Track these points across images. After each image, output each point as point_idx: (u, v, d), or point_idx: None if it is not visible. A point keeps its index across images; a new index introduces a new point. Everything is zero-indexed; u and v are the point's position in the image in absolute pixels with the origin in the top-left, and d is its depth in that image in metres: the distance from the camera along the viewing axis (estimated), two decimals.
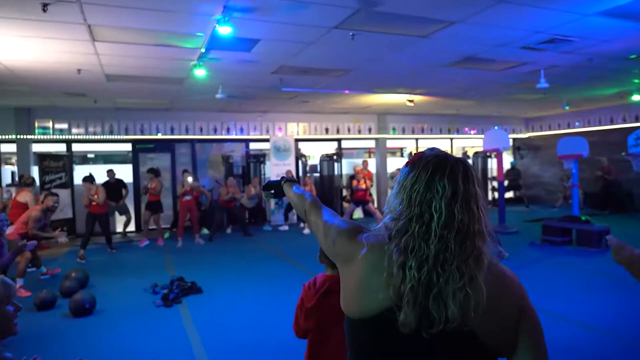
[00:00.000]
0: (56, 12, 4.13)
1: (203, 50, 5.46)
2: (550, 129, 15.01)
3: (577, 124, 13.99)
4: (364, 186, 10.28)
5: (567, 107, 11.27)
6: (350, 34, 5.01)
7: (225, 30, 4.37)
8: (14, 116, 10.11)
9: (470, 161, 12.54)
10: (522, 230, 9.63)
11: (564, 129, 14.49)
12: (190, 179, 9.14)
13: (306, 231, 10.12)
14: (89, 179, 8.36)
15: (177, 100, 9.66)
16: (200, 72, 6.18)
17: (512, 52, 6.17)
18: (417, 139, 14.38)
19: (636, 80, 8.77)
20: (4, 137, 10.12)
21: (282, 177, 1.83)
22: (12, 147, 10.35)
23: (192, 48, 5.49)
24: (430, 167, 1.08)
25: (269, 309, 5.14)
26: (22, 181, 7.20)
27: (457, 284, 1.00)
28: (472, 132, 14.72)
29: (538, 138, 15.37)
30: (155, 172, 9.13)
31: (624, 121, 12.69)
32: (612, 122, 13.06)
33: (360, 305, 1.10)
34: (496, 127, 12.66)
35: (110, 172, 9.86)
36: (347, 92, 9.00)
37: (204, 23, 4.63)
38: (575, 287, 5.65)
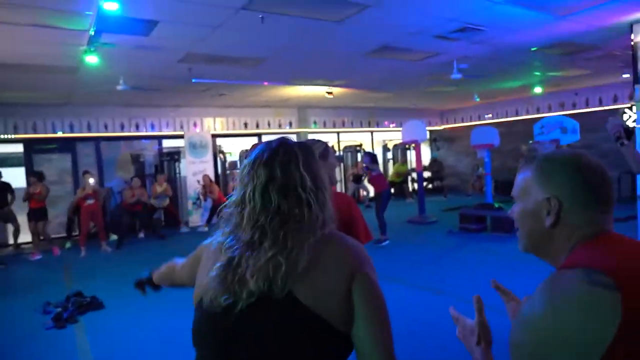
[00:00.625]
0: None
1: (92, 32, 4.78)
2: (463, 121, 15.69)
3: (487, 116, 14.73)
4: None
5: (477, 99, 11.75)
6: (260, 16, 4.64)
7: (111, 7, 3.80)
8: None
9: (390, 154, 12.86)
10: (441, 219, 9.86)
11: (475, 120, 15.20)
12: (92, 181, 8.24)
13: None
14: None
15: (75, 94, 8.67)
16: (92, 59, 5.46)
17: (426, 41, 6.14)
18: (338, 133, 14.33)
19: (537, 73, 9.29)
20: None
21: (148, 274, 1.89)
22: None
23: (79, 30, 4.79)
24: (252, 155, 1.12)
25: (184, 326, 4.64)
26: None
27: (265, 257, 1.01)
28: (391, 125, 14.96)
29: (452, 130, 16.01)
30: (38, 176, 8.14)
31: (527, 113, 13.55)
32: (517, 114, 13.89)
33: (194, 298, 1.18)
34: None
35: None
36: (265, 83, 8.60)
37: None
38: (493, 271, 5.76)
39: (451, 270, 5.96)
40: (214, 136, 11.72)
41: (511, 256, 6.36)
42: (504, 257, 6.36)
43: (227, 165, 12.01)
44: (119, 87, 6.94)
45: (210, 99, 10.22)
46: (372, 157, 9.23)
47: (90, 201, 8.19)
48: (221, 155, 11.92)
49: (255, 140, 12.63)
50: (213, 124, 11.91)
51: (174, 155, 11.18)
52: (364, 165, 12.55)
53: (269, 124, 12.72)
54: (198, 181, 11.09)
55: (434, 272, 5.93)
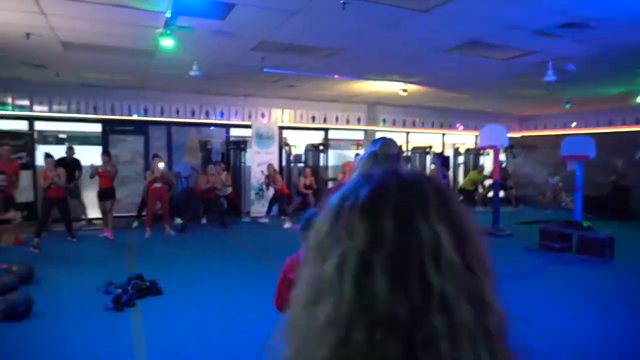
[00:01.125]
0: None
1: (169, 15, 4.67)
2: (545, 129, 14.49)
3: (572, 124, 13.47)
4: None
5: (567, 105, 10.70)
6: (341, 1, 4.29)
7: None
8: None
9: (461, 158, 12.05)
10: (515, 232, 9.07)
11: (559, 129, 13.98)
12: (161, 165, 8.35)
13: (287, 225, 9.43)
14: (52, 156, 7.71)
15: (149, 78, 8.82)
16: (167, 42, 5.39)
17: (523, 36, 5.50)
18: (407, 133, 13.74)
19: None
20: None
21: None
22: None
23: (156, 11, 4.70)
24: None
25: (237, 318, 4.45)
26: None
27: None
28: (459, 127, 14.11)
29: (531, 137, 14.83)
30: (109, 155, 8.33)
31: (623, 124, 12.21)
32: (610, 124, 12.56)
33: None
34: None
35: (69, 150, 9.03)
36: (336, 76, 8.27)
37: None
38: (582, 303, 5.06)
39: (533, 296, 5.30)
40: (281, 128, 11.59)
41: (603, 287, 5.59)
42: (594, 287, 5.61)
43: (291, 158, 11.85)
44: (192, 73, 6.90)
45: (279, 90, 10.06)
46: (443, 159, 8.64)
47: (157, 184, 8.30)
48: (287, 148, 11.77)
49: (321, 134, 12.39)
50: (281, 115, 11.78)
51: (241, 145, 11.17)
52: (432, 165, 11.97)
53: (336, 119, 12.40)
54: (262, 172, 11.03)
55: (510, 294, 5.30)
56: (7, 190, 6.12)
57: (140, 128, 10.65)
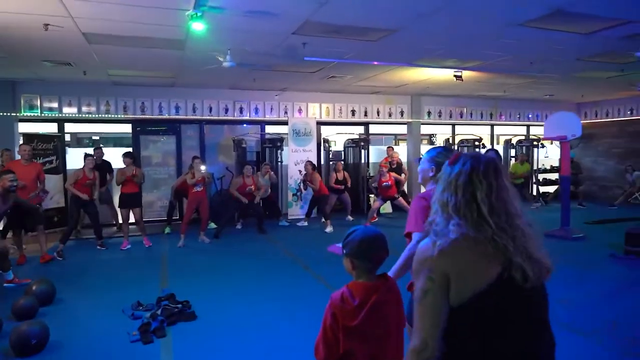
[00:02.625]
0: None
1: None
2: (607, 116, 13.13)
3: (629, 112, 12.17)
4: (390, 182, 8.76)
5: None
6: None
7: None
8: None
9: (513, 151, 10.86)
10: (588, 234, 7.98)
11: (623, 116, 12.63)
12: (203, 168, 7.69)
13: (329, 229, 8.65)
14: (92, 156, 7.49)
15: (181, 73, 8.20)
16: (198, 26, 4.68)
17: (622, 2, 4.50)
18: (453, 125, 12.70)
19: None
20: None
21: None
22: None
23: None
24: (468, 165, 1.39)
25: (284, 336, 3.71)
26: None
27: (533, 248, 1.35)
28: (500, 118, 12.94)
29: (592, 126, 13.46)
30: (133, 157, 7.67)
31: None
32: None
33: (473, 285, 1.29)
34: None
35: (98, 151, 8.50)
36: (385, 64, 7.39)
37: None
38: None
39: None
40: (319, 123, 10.82)
41: None
42: None
43: (330, 155, 11.05)
44: (226, 64, 6.20)
45: (317, 82, 9.27)
46: (496, 153, 7.68)
47: (198, 188, 7.63)
48: (325, 145, 10.98)
49: (361, 129, 11.54)
50: (319, 110, 10.99)
51: (277, 142, 10.46)
52: None
53: (378, 113, 11.50)
54: (300, 171, 10.29)
55: (605, 314, 4.32)
56: (17, 191, 5.52)
57: (172, 127, 10.09)
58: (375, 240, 1.76)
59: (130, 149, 8.58)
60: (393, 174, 9.00)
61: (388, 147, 10.07)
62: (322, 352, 1.68)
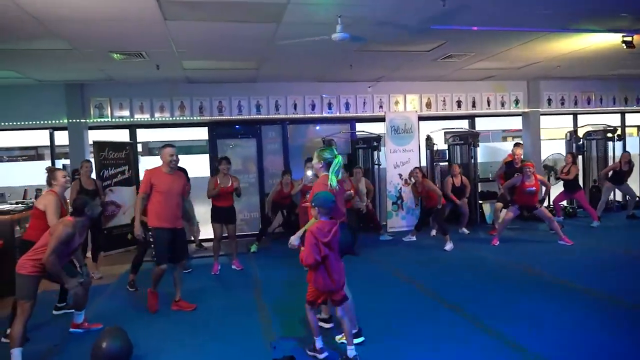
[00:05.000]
0: None
1: None
2: None
3: None
4: (535, 188, 6.84)
5: None
6: None
7: None
8: (64, 94, 7.93)
9: None
10: None
11: None
12: (309, 173, 6.26)
13: (448, 247, 6.92)
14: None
15: (267, 61, 6.85)
16: None
17: None
18: (574, 114, 10.52)
19: None
20: (55, 122, 7.99)
21: None
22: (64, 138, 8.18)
23: None
24: None
25: None
26: (48, 176, 4.68)
27: None
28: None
29: None
30: (230, 163, 6.33)
31: None
32: None
33: None
34: None
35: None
36: (526, 30, 5.59)
37: None
38: None
39: None
40: (421, 118, 9.12)
41: None
42: None
43: (434, 155, 9.31)
44: (336, 36, 4.72)
45: (423, 67, 7.63)
46: None
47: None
48: (429, 143, 9.26)
49: (465, 124, 9.72)
50: (419, 102, 9.31)
51: (372, 142, 8.90)
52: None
53: (488, 103, 9.63)
54: (400, 175, 8.66)
55: None
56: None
57: (251, 129, 8.83)
58: (329, 197, 3.26)
59: (210, 153, 7.35)
60: (539, 177, 7.09)
61: (515, 144, 8.17)
62: (307, 258, 3.14)
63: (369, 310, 4.24)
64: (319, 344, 3.36)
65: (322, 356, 3.33)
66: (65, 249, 3.66)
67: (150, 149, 11.50)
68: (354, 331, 3.45)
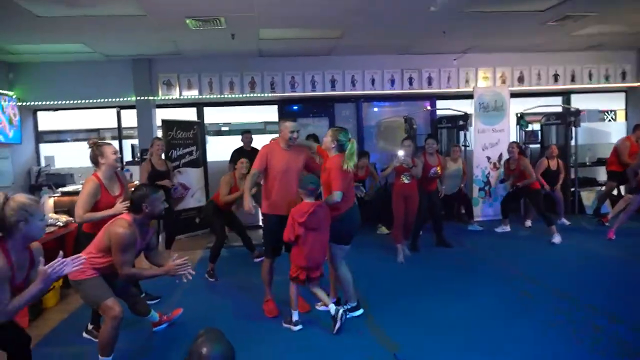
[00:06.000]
0: None
1: None
2: None
3: None
4: None
5: None
6: None
7: None
8: (131, 71, 7.54)
9: None
10: None
11: None
12: (401, 153, 5.46)
13: (557, 239, 6.00)
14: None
15: (354, 28, 6.12)
16: None
17: None
18: None
19: None
20: (123, 99, 7.63)
21: None
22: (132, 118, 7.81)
23: None
24: None
25: None
26: (93, 152, 3.93)
27: None
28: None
29: None
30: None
31: None
32: None
33: None
34: None
35: (246, 136, 6.84)
36: None
37: None
38: None
39: None
40: (514, 95, 8.13)
41: None
42: None
43: (525, 137, 8.30)
44: (434, 8, 3.91)
45: (517, 37, 6.67)
46: None
47: (406, 179, 5.45)
48: (522, 122, 8.26)
49: (558, 100, 8.62)
50: (511, 76, 8.32)
51: (457, 121, 8.02)
52: None
53: (590, 76, 8.48)
54: (488, 158, 7.77)
55: None
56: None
57: (325, 107, 8.17)
58: (312, 180, 3.48)
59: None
60: None
61: (636, 125, 7.07)
62: (284, 236, 3.44)
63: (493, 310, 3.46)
64: (295, 317, 3.58)
65: (296, 328, 3.54)
66: (133, 250, 2.98)
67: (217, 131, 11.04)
68: (353, 304, 3.76)
